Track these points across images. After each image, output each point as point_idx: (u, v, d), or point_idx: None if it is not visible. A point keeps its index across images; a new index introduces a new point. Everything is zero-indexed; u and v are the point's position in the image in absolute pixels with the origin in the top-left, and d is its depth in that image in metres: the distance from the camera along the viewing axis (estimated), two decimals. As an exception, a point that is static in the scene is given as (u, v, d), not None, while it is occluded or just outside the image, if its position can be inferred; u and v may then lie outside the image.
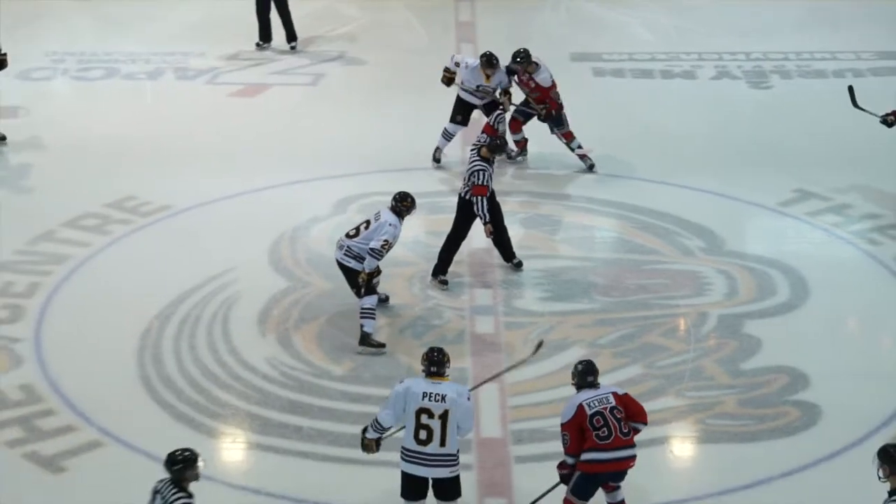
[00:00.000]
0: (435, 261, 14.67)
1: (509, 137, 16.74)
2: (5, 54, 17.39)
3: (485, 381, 11.88)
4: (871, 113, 15.88)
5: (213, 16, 22.47)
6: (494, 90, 16.83)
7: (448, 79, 16.98)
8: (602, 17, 22.66)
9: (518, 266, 14.80)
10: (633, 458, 10.64)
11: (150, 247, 15.40)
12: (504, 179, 16.75)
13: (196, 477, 9.76)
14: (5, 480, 11.71)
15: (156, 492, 9.69)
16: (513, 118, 17.08)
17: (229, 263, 14.88)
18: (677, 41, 21.47)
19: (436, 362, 10.63)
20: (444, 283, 14.54)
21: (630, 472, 10.70)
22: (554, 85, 16.78)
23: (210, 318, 13.99)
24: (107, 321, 13.94)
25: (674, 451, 12.33)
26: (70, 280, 14.68)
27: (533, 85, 16.82)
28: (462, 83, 16.97)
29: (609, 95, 18.02)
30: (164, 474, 11.29)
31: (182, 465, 9.70)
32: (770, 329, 13.86)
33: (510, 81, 16.83)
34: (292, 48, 21.09)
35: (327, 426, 12.43)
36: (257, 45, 21.33)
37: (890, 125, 15.76)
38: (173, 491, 9.63)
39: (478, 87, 16.88)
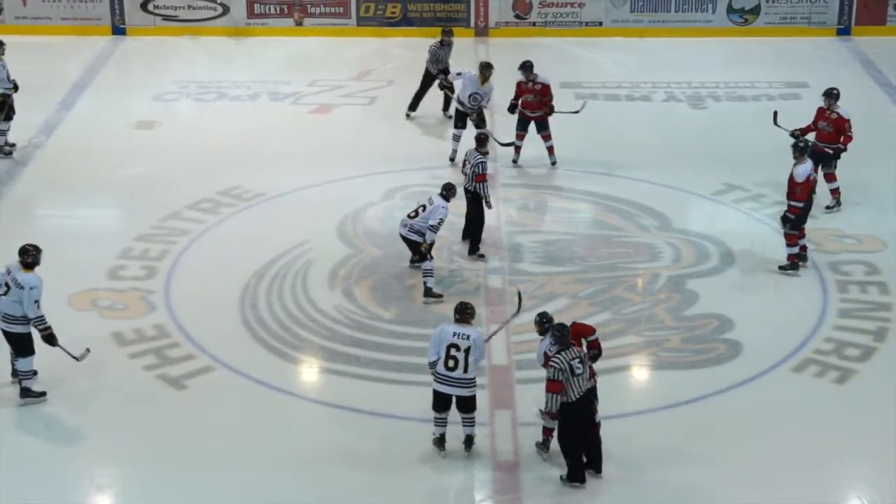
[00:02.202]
0: (458, 236, 14.64)
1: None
2: (14, 80, 16.93)
3: (494, 333, 11.67)
4: (783, 129, 15.67)
5: (296, 54, 22.29)
6: (484, 97, 16.65)
7: (446, 87, 16.82)
8: (582, 55, 22.44)
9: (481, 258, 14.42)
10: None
11: (249, 223, 15.29)
12: (507, 175, 16.63)
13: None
14: (143, 394, 11.75)
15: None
16: (518, 133, 16.89)
17: (307, 236, 14.77)
18: (637, 73, 21.27)
19: (461, 311, 10.70)
20: (482, 256, 14.34)
21: (601, 391, 10.60)
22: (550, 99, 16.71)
23: (293, 275, 13.90)
24: (217, 278, 13.87)
25: (633, 375, 12.30)
26: (191, 248, 14.61)
27: (539, 87, 16.63)
28: (458, 97, 16.83)
29: (587, 114, 17.79)
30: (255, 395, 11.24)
31: (554, 324, 10.31)
32: (705, 286, 13.75)
33: (488, 101, 16.77)
34: (448, 117, 18.49)
35: (379, 356, 12.40)
36: (406, 115, 18.85)
37: (796, 138, 15.58)
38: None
39: (470, 94, 16.68)
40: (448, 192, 13.53)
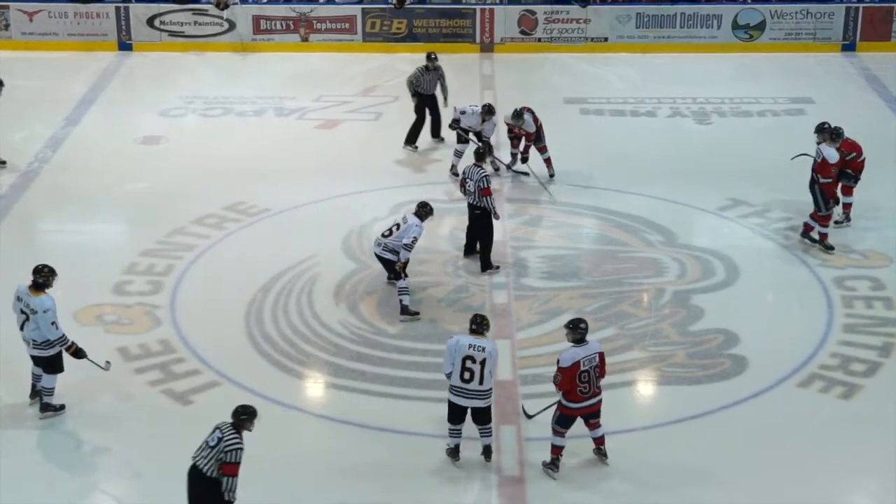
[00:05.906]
0: (462, 250, 14.67)
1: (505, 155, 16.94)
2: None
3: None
4: (808, 155, 15.40)
5: (302, 70, 22.36)
6: (484, 132, 16.66)
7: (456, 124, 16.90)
8: (587, 70, 22.48)
9: (497, 271, 14.47)
10: (600, 401, 10.61)
11: (254, 239, 15.31)
12: (512, 189, 16.66)
13: (250, 429, 9.61)
14: (148, 410, 11.75)
15: (217, 427, 9.56)
16: (512, 144, 17.05)
17: (313, 251, 14.79)
18: (642, 89, 21.30)
19: (476, 323, 10.71)
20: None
21: (605, 406, 10.64)
22: (540, 128, 16.69)
23: (298, 290, 13.91)
24: (223, 293, 13.89)
25: (639, 391, 12.28)
26: (196, 263, 14.62)
27: (524, 133, 16.72)
28: (462, 122, 16.83)
29: (592, 129, 17.87)
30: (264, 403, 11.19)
31: (245, 417, 9.59)
32: (710, 301, 13.74)
33: (492, 132, 16.82)
34: (439, 139, 18.34)
35: (384, 371, 12.39)
36: (408, 145, 18.19)
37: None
38: (232, 433, 9.50)
39: (469, 128, 16.73)
40: (422, 209, 13.48)
